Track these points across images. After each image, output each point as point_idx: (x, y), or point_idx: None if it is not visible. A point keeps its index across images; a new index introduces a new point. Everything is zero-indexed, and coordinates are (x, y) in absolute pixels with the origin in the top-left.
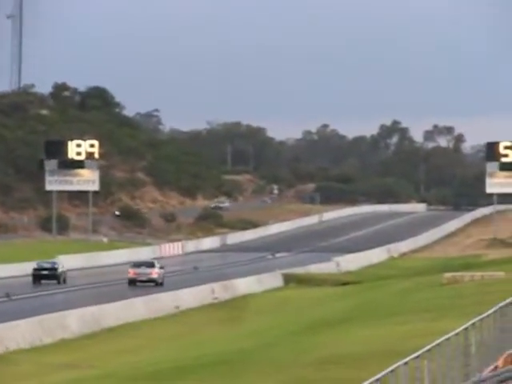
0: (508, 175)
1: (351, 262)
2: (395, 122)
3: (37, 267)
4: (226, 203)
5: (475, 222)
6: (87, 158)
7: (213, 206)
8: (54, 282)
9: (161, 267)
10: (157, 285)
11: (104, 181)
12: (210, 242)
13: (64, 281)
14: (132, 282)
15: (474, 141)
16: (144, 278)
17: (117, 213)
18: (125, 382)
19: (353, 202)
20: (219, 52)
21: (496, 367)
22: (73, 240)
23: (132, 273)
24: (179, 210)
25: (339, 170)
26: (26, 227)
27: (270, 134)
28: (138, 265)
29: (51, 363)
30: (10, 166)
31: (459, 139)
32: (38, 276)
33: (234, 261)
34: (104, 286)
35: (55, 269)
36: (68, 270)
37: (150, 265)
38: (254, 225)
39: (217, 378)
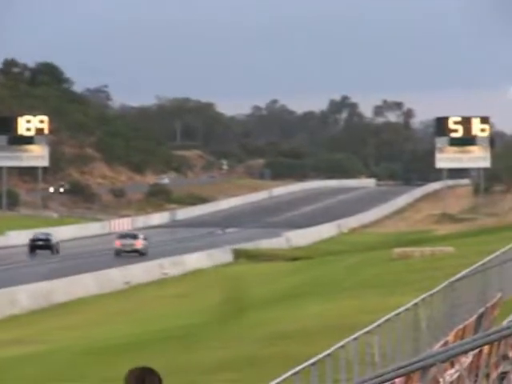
0: (457, 150)
1: (301, 237)
2: (345, 98)
3: (33, 238)
4: (165, 179)
5: (425, 197)
6: (37, 133)
7: (152, 183)
8: (49, 252)
9: (144, 238)
10: (140, 255)
11: (53, 156)
12: (159, 218)
13: (57, 251)
14: (118, 253)
15: (423, 116)
16: (129, 249)
17: (61, 189)
18: (76, 356)
19: (303, 177)
20: (168, 26)
21: (446, 342)
22: (23, 216)
23: (118, 244)
24: (129, 186)
25: (289, 145)
26: None
27: (220, 109)
28: (123, 236)
29: (1, 339)
30: None
31: (409, 114)
32: (34, 246)
33: (184, 236)
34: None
35: (49, 240)
36: (17, 246)
37: (134, 236)
38: (204, 200)
39: (166, 352)
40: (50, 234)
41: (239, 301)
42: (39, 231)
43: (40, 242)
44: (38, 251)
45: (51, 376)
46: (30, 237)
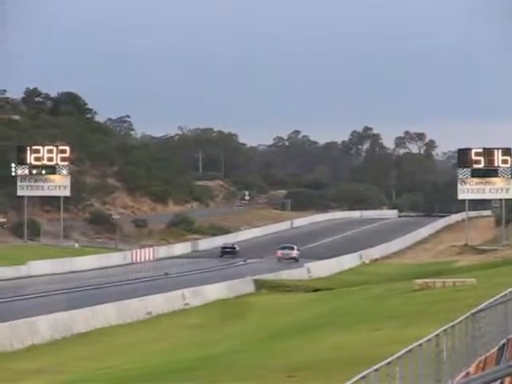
0: (479, 181)
1: (322, 268)
2: (366, 129)
3: (223, 246)
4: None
5: (447, 228)
6: (58, 163)
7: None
8: (233, 255)
9: (298, 249)
10: (296, 261)
11: (75, 186)
12: (181, 248)
13: (239, 255)
14: (279, 260)
15: (445, 147)
16: (287, 257)
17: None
18: None
19: (324, 208)
20: (190, 57)
21: (468, 373)
22: (44, 245)
23: (279, 253)
24: (150, 216)
25: (310, 176)
26: None
27: (242, 140)
28: (283, 247)
29: (21, 369)
30: None
31: (430, 145)
32: (223, 252)
33: (205, 267)
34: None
35: (234, 248)
36: (39, 276)
37: (291, 248)
38: (225, 231)
39: (186, 383)
40: (234, 244)
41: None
42: (227, 241)
43: (228, 249)
44: (226, 255)
45: None
46: (221, 245)
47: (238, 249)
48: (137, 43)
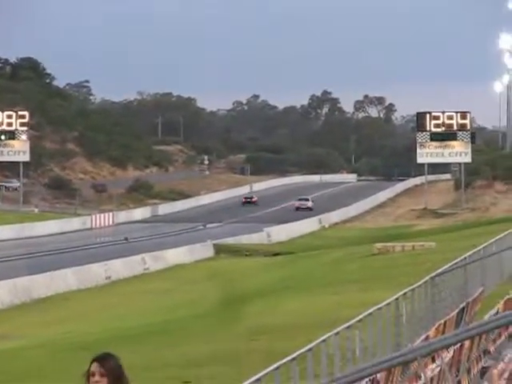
0: (438, 145)
1: (282, 232)
2: (325, 93)
3: (245, 196)
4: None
5: (406, 192)
6: (18, 128)
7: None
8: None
9: (312, 200)
10: (310, 210)
11: (34, 151)
12: (141, 213)
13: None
14: (297, 209)
15: (404, 111)
16: (304, 207)
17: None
18: (57, 352)
19: (284, 172)
20: (148, 20)
21: (427, 337)
22: (3, 211)
23: (297, 204)
24: (110, 181)
25: (270, 140)
26: None
27: (201, 104)
28: (300, 199)
29: None
30: None
31: (390, 109)
32: (245, 202)
33: (165, 231)
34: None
35: (252, 197)
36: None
37: (306, 199)
38: (185, 195)
39: (148, 347)
40: (252, 195)
41: (224, 295)
42: (247, 193)
43: (248, 200)
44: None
45: (31, 371)
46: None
47: (256, 199)
48: (97, 8)
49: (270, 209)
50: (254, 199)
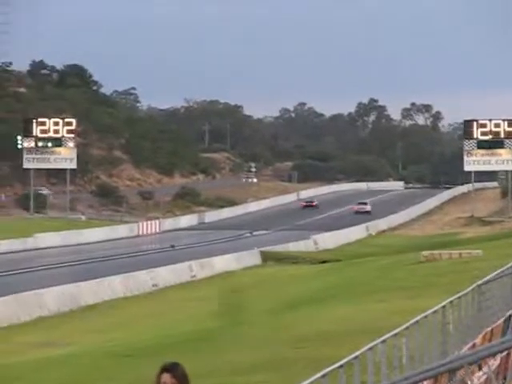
0: (485, 153)
1: (329, 240)
2: (372, 100)
3: (305, 200)
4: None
5: (453, 200)
6: (64, 136)
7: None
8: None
9: (369, 204)
10: (368, 213)
11: (81, 159)
12: (187, 220)
13: (318, 208)
14: (356, 212)
15: (451, 119)
16: (362, 210)
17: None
18: (102, 359)
19: (331, 180)
20: (197, 26)
21: (474, 345)
22: (50, 218)
23: (356, 208)
24: (157, 188)
25: (317, 147)
26: (4, 205)
27: (247, 112)
28: (359, 203)
29: (28, 341)
30: None
31: (437, 117)
32: (306, 206)
33: (212, 239)
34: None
35: (313, 201)
36: (46, 248)
37: (365, 203)
38: (232, 203)
39: (194, 354)
40: (313, 199)
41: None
42: (308, 198)
43: (308, 204)
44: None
45: (77, 378)
46: (304, 199)
47: (316, 203)
48: (142, 14)
49: (318, 216)
50: (314, 203)
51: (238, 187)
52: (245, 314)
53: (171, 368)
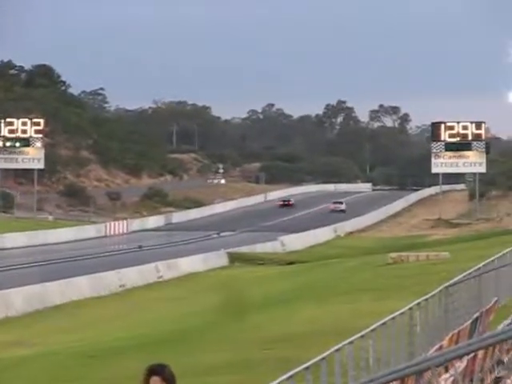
0: (453, 155)
1: (296, 241)
2: (340, 102)
3: (282, 199)
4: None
5: (421, 202)
6: (32, 136)
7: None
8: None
9: (344, 203)
10: (343, 212)
11: (49, 159)
12: (155, 221)
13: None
14: (332, 211)
15: (419, 121)
16: (338, 209)
17: None
18: (69, 359)
19: (298, 181)
20: (164, 28)
21: (441, 347)
22: (18, 218)
23: (332, 206)
24: (124, 189)
25: (285, 149)
26: None
27: (216, 113)
28: (334, 202)
29: None
30: None
31: (404, 119)
32: (283, 205)
33: (179, 240)
34: (50, 264)
35: (289, 200)
36: (12, 248)
37: (340, 202)
38: (200, 204)
39: (161, 355)
40: (290, 198)
41: (238, 304)
42: (285, 196)
43: (285, 202)
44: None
45: (47, 378)
46: (281, 198)
47: (293, 202)
48: (111, 15)
49: (285, 217)
50: (290, 202)
51: (205, 188)
52: (212, 315)
53: (160, 370)
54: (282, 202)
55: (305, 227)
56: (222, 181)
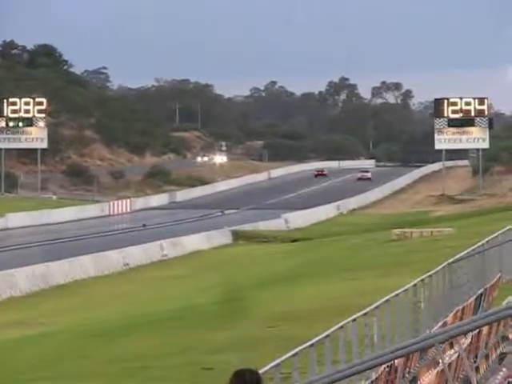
0: (456, 131)
1: (300, 218)
2: (343, 79)
3: (316, 169)
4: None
5: (424, 178)
6: (35, 115)
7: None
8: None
9: (370, 171)
10: (370, 180)
11: (52, 138)
12: (158, 200)
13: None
14: (359, 179)
15: (422, 97)
16: (365, 177)
17: None
18: (74, 339)
19: (302, 158)
20: (166, 6)
21: (445, 323)
22: (22, 198)
23: (359, 175)
24: (127, 168)
25: (288, 126)
26: None
27: (218, 91)
28: (361, 171)
29: (1, 322)
30: None
31: (407, 95)
32: (317, 175)
33: (183, 218)
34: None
35: (324, 170)
36: (17, 228)
37: (367, 171)
38: (203, 182)
39: (167, 333)
40: (324, 169)
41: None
42: (319, 167)
43: (320, 173)
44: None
45: (53, 357)
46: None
47: (326, 172)
48: None
49: (289, 195)
50: (324, 172)
51: (208, 166)
52: (216, 293)
53: (254, 377)
54: (316, 172)
55: (309, 205)
56: (220, 159)
